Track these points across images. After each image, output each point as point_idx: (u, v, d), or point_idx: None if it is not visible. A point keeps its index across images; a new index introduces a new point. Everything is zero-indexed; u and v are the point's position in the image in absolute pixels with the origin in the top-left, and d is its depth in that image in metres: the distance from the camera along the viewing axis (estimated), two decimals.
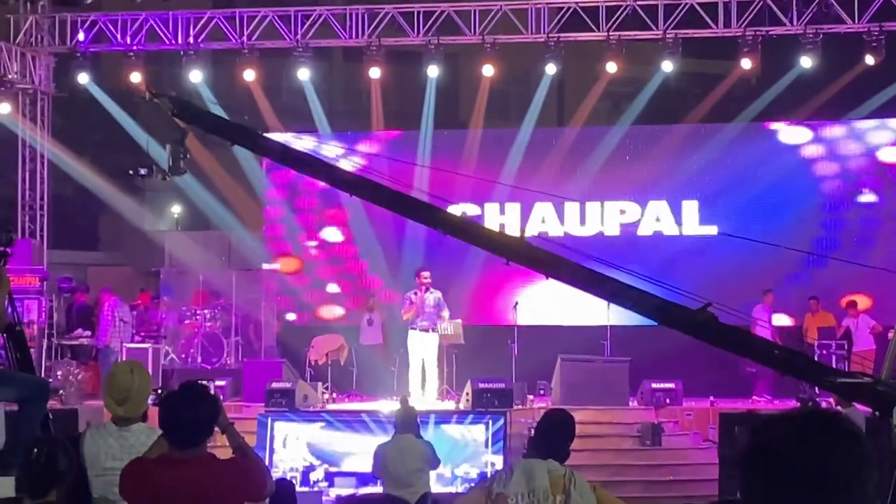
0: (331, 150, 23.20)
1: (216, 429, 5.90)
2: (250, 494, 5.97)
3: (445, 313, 19.02)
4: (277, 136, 23.65)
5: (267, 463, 11.60)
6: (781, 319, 21.27)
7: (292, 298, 23.88)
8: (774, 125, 22.78)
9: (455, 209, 21.11)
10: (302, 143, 23.54)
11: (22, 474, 6.03)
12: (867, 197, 22.37)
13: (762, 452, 2.26)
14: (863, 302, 21.00)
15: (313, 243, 23.79)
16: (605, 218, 22.76)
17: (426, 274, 19.03)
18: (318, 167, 12.66)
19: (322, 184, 23.29)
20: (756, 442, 2.29)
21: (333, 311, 23.47)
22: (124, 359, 18.03)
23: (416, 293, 18.87)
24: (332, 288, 23.67)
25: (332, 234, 23.75)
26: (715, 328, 10.77)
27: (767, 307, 20.27)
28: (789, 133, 22.66)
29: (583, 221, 22.81)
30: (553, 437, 6.92)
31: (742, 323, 13.08)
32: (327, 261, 23.78)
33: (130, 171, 13.08)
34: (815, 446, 2.21)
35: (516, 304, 20.30)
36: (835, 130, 22.59)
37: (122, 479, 5.81)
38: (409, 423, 12.41)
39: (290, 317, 23.83)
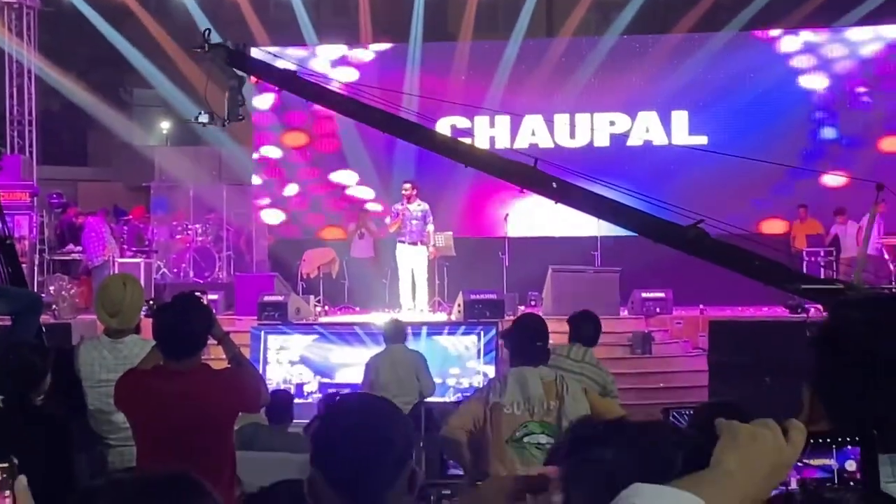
0: (318, 64, 23.08)
1: (211, 340, 5.89)
2: (245, 404, 5.97)
3: (430, 227, 18.82)
4: (265, 50, 23.56)
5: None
6: (774, 227, 21.32)
7: (283, 212, 23.79)
8: (764, 33, 22.64)
9: (445, 122, 21.12)
10: (290, 54, 23.46)
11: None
12: (856, 104, 22.27)
13: (837, 332, 2.23)
14: None
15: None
16: (594, 129, 22.64)
17: (406, 185, 18.84)
18: (351, 107, 13.23)
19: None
20: (833, 321, 2.27)
21: (324, 226, 23.38)
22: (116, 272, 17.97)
23: (402, 204, 18.73)
24: (322, 202, 23.58)
25: (321, 147, 23.60)
26: (706, 244, 10.97)
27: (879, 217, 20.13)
28: (779, 41, 22.52)
29: (572, 133, 22.70)
30: (534, 340, 6.94)
31: (731, 231, 13.12)
32: (318, 176, 23.66)
33: (193, 119, 13.51)
34: (889, 330, 2.18)
35: (507, 215, 20.26)
36: (824, 37, 22.45)
37: (116, 391, 5.81)
38: (397, 334, 12.43)
39: (289, 233, 23.67)
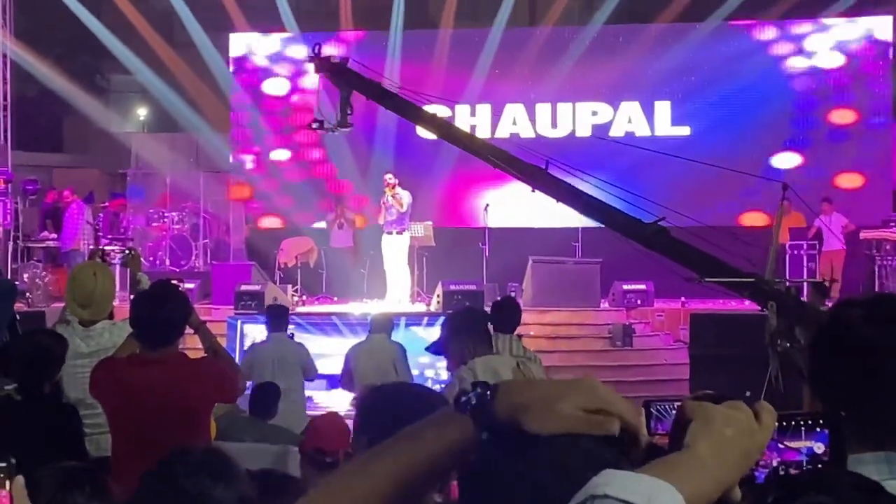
0: (297, 51, 23.05)
1: (188, 329, 5.87)
2: (222, 394, 5.96)
3: (401, 207, 18.69)
4: (244, 37, 23.53)
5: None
6: (755, 219, 21.25)
7: (261, 201, 23.67)
8: (748, 24, 22.65)
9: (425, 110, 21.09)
10: (268, 41, 23.45)
11: (15, 368, 5.94)
12: (839, 97, 22.29)
13: (837, 329, 2.25)
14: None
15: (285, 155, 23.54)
16: (576, 119, 22.64)
17: (388, 176, 18.89)
18: (436, 124, 14.13)
19: (287, 87, 23.30)
20: (833, 319, 2.30)
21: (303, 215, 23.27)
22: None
23: (384, 195, 18.74)
24: (301, 192, 23.47)
25: (299, 139, 23.48)
26: (660, 240, 11.26)
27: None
28: (762, 32, 22.53)
29: (554, 123, 22.69)
30: (482, 327, 7.00)
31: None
32: (297, 168, 23.53)
33: (309, 126, 14.21)
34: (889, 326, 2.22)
35: (487, 205, 20.25)
36: (807, 28, 22.47)
37: (92, 379, 5.79)
38: (384, 325, 12.49)
39: (267, 222, 23.58)
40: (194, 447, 3.03)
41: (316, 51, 13.78)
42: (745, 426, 1.67)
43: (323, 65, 13.63)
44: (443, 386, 14.87)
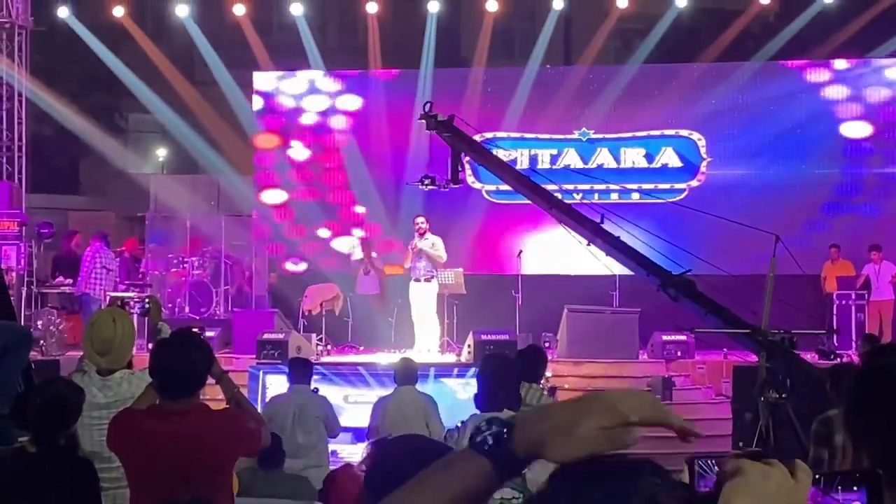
0: (324, 88, 23.20)
1: (209, 379, 5.88)
2: (245, 447, 5.95)
3: (439, 256, 18.73)
4: (268, 76, 23.67)
5: None
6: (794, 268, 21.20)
7: (285, 246, 23.73)
8: (793, 64, 22.65)
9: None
10: (296, 81, 23.56)
11: (31, 418, 5.97)
12: (892, 137, 22.25)
13: (874, 377, 2.28)
14: None
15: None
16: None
17: (419, 220, 18.91)
18: (527, 186, 14.11)
19: (314, 127, 23.42)
20: (868, 367, 2.31)
21: (329, 260, 23.32)
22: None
23: (414, 239, 18.78)
24: (328, 236, 23.51)
25: (327, 180, 23.58)
26: (687, 293, 11.41)
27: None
28: (808, 72, 22.53)
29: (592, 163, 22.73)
30: (505, 384, 6.93)
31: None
32: (323, 211, 23.58)
33: (418, 183, 14.55)
34: None
35: (520, 251, 20.25)
36: (856, 70, 22.46)
37: (109, 431, 5.78)
38: (407, 375, 12.44)
39: (290, 267, 23.62)
40: (182, 497, 3.03)
41: (428, 109, 14.04)
42: (781, 483, 1.69)
43: (433, 122, 13.88)
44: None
